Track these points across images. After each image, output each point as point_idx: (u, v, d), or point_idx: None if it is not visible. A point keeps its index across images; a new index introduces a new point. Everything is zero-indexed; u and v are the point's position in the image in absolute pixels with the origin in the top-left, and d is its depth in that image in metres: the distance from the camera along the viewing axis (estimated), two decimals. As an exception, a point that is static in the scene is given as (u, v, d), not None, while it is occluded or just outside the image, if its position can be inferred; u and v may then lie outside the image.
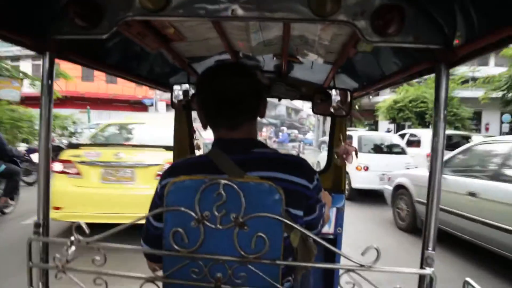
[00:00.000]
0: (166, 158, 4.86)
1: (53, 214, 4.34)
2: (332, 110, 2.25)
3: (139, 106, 28.48)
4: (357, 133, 10.79)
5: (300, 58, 1.99)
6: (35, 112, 11.25)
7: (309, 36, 1.62)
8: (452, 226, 5.18)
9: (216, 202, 0.98)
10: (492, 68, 22.25)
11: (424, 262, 1.04)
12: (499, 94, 15.41)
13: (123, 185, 5.07)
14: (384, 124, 26.77)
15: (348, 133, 6.22)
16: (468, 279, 0.96)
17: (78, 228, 1.00)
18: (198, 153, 2.59)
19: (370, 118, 31.82)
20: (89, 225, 1.01)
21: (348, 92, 2.20)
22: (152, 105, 26.40)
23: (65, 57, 1.28)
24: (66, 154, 5.27)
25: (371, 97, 26.26)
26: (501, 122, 22.55)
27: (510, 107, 16.22)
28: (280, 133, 35.16)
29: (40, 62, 1.20)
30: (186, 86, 2.32)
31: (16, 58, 20.62)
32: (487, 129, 25.49)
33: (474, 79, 19.56)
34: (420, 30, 1.05)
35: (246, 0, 1.04)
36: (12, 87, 11.71)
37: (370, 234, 6.32)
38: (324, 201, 1.33)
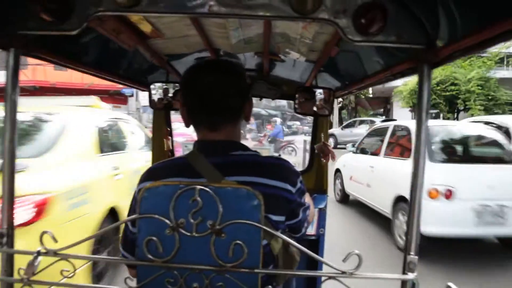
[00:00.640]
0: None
1: None
2: (314, 109, 2.22)
3: (120, 97, 25.69)
4: (410, 123, 5.96)
5: (281, 56, 1.95)
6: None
7: (290, 34, 1.58)
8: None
9: (192, 209, 0.94)
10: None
11: (406, 267, 1.02)
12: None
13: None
14: (401, 113, 22.56)
15: (398, 123, 6.54)
16: (450, 284, 0.94)
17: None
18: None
19: (378, 107, 29.26)
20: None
21: (331, 91, 2.17)
22: (132, 95, 23.40)
23: (33, 54, 1.20)
24: None
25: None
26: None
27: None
28: (266, 126, 28.18)
29: None
30: (164, 85, 2.25)
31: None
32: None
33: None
34: (402, 29, 1.02)
35: None
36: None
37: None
38: (308, 202, 1.29)
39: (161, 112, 2.41)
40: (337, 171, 8.21)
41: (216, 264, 0.94)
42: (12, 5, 1.04)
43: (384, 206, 5.82)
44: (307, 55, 1.81)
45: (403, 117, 19.78)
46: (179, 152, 4.08)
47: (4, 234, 1.07)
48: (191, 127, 1.15)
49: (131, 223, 1.10)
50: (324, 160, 2.38)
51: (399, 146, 6.22)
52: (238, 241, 0.92)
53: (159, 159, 1.45)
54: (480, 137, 5.84)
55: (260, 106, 30.95)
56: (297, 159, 13.14)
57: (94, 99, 5.41)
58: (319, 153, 2.35)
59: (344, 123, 23.97)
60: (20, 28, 1.06)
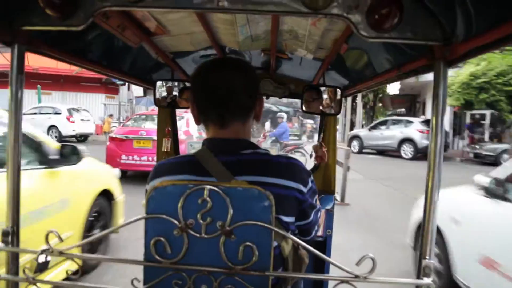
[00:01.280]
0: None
1: None
2: (322, 108, 2.19)
3: (114, 86, 23.32)
4: None
5: (289, 54, 1.92)
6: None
7: (299, 31, 1.55)
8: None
9: (201, 209, 0.91)
10: None
11: (422, 271, 0.99)
12: None
13: None
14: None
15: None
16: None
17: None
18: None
19: (400, 106, 26.40)
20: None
21: (339, 90, 2.14)
22: (124, 84, 21.40)
23: (37, 50, 1.18)
24: None
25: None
26: None
27: None
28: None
29: None
30: (170, 83, 2.23)
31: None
32: None
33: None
34: (418, 25, 0.99)
35: None
36: None
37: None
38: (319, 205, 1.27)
39: (166, 110, 2.39)
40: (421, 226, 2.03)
41: (226, 266, 0.91)
42: (17, 0, 1.02)
43: None
44: (315, 52, 1.77)
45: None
46: (182, 152, 4.04)
47: (9, 232, 1.05)
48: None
49: None
50: (316, 162, 2.35)
51: None
52: (248, 243, 0.90)
53: (164, 158, 1.43)
54: None
55: (270, 101, 28.51)
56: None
57: None
58: (315, 153, 2.30)
59: (373, 123, 20.82)
60: (24, 23, 1.04)
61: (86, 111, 20.09)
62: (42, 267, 1.00)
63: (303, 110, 2.17)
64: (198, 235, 0.91)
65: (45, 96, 21.41)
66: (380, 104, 27.88)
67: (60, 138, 17.41)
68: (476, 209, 3.21)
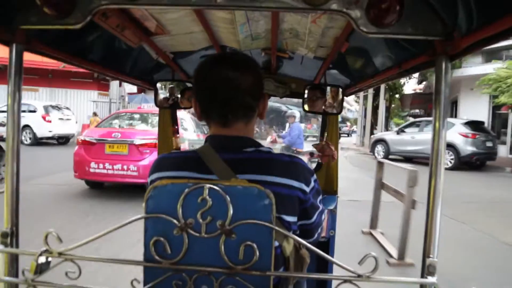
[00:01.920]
0: None
1: None
2: (324, 107, 2.17)
3: (107, 82, 20.60)
4: None
5: (289, 53, 1.91)
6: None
7: (299, 29, 1.54)
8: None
9: (201, 208, 0.90)
10: None
11: (426, 270, 0.97)
12: None
13: None
14: (469, 110, 17.04)
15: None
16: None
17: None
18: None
19: (417, 106, 23.93)
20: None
21: (340, 89, 2.13)
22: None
23: (35, 50, 1.18)
24: None
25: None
26: None
27: None
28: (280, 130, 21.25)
29: None
30: (171, 84, 2.22)
31: None
32: None
33: None
34: (419, 20, 0.97)
35: None
36: None
37: None
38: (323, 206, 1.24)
39: (167, 111, 2.38)
40: None
41: (226, 265, 0.90)
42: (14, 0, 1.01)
43: None
44: (316, 51, 1.76)
45: (479, 116, 15.56)
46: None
47: (8, 233, 1.05)
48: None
49: None
50: (322, 162, 2.32)
51: None
52: (249, 242, 0.88)
53: None
54: None
55: (281, 100, 25.91)
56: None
57: None
58: (320, 153, 2.27)
59: (402, 124, 17.81)
60: (22, 22, 1.03)
61: (67, 109, 17.61)
62: (43, 269, 0.99)
63: (305, 109, 2.16)
64: (198, 234, 0.90)
65: (31, 93, 19.36)
66: (399, 104, 25.54)
67: (35, 140, 15.67)
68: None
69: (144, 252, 0.96)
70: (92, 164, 6.91)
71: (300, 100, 2.21)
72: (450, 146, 13.27)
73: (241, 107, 1.08)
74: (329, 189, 2.37)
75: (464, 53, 0.99)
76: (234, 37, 1.64)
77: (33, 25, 1.03)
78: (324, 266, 2.07)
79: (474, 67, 17.20)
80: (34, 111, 15.79)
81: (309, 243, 0.98)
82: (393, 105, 26.02)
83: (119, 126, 7.82)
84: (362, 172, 11.83)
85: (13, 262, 1.06)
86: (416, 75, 19.24)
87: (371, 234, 5.39)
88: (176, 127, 2.46)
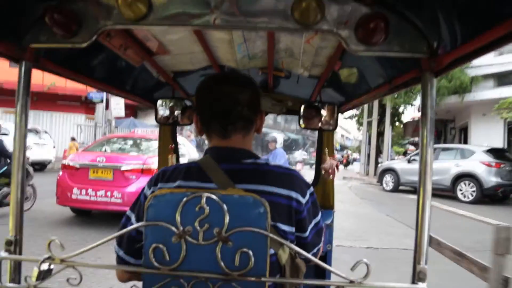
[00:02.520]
0: None
1: None
2: (319, 124, 2.24)
3: (94, 106, 18.49)
4: None
5: (286, 72, 1.98)
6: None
7: (294, 49, 1.62)
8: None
9: (198, 216, 0.94)
10: None
11: (416, 276, 1.00)
12: None
13: None
14: (481, 137, 15.79)
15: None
16: None
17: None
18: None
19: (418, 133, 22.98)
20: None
21: (335, 106, 2.19)
22: (102, 101, 17.50)
23: (43, 67, 1.24)
24: None
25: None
26: None
27: None
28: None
29: None
30: (172, 102, 2.28)
31: None
32: None
33: None
34: (404, 39, 1.04)
35: (228, 9, 1.02)
36: None
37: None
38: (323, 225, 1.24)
39: (167, 128, 2.44)
40: None
41: (223, 272, 0.93)
42: (26, 20, 1.08)
43: None
44: (311, 70, 1.84)
45: (494, 143, 14.03)
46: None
47: (12, 241, 1.08)
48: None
49: (136, 221, 1.12)
50: (332, 177, 2.34)
51: None
52: (245, 249, 0.92)
53: None
54: None
55: (280, 128, 26.15)
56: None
57: None
58: (328, 170, 2.27)
59: (413, 152, 16.10)
60: (32, 41, 1.10)
61: (45, 132, 16.37)
62: (45, 275, 1.02)
63: (301, 126, 2.22)
64: (195, 241, 0.94)
65: (13, 116, 18.30)
66: (399, 131, 24.30)
67: (6, 165, 12.94)
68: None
69: (143, 259, 0.99)
70: (75, 190, 6.50)
71: (283, 122, 2.27)
72: (471, 177, 11.97)
73: (241, 119, 1.14)
74: (326, 204, 2.40)
75: (448, 69, 1.05)
76: (232, 57, 1.71)
77: (42, 43, 1.09)
78: (322, 276, 2.07)
79: (485, 91, 16.08)
80: (5, 134, 13.15)
81: (304, 259, 1.01)
82: (392, 133, 24.09)
83: (105, 150, 7.48)
84: (372, 206, 10.52)
85: (16, 269, 1.09)
86: (416, 102, 18.68)
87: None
88: (175, 144, 2.51)
